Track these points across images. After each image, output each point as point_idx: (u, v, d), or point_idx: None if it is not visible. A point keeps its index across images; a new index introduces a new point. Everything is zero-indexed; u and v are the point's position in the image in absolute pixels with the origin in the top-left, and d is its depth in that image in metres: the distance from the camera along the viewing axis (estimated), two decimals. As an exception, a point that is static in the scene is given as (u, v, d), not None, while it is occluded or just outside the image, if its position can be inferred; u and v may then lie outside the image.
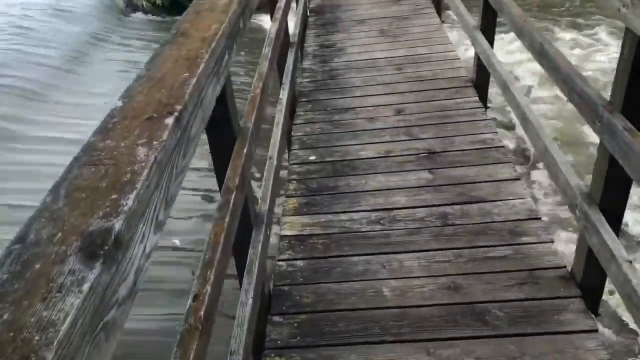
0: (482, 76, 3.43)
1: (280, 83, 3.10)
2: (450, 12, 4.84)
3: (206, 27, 1.50)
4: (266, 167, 2.24)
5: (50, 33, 8.74)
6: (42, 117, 5.89)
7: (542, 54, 2.22)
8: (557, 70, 2.06)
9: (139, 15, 10.44)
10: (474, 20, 3.59)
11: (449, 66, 3.81)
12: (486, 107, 3.41)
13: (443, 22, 5.08)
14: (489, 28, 3.31)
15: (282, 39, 3.21)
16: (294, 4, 4.00)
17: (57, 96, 6.54)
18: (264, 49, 2.52)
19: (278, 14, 3.00)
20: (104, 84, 8.22)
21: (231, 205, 1.47)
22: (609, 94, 1.74)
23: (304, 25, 4.73)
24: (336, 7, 5.28)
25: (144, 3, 10.09)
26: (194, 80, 1.19)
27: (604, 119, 1.67)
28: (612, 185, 1.76)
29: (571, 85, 1.92)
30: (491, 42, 3.30)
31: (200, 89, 1.23)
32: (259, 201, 2.03)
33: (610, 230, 1.72)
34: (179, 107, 1.07)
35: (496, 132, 2.99)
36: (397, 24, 4.67)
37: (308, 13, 5.17)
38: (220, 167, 1.70)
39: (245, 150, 1.69)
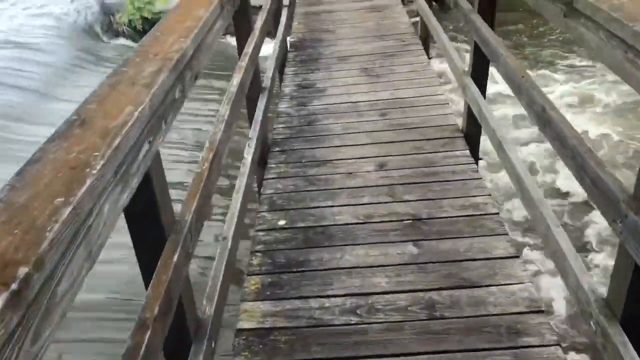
0: (473, 126, 3.11)
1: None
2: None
3: (117, 111, 1.15)
4: (217, 252, 1.87)
5: (18, 64, 8.36)
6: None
7: (544, 120, 1.89)
8: (562, 144, 1.73)
9: (120, 41, 10.11)
10: (463, 64, 3.28)
11: (437, 112, 3.49)
12: (477, 161, 3.08)
13: (430, 58, 4.80)
14: (480, 75, 3.00)
15: (249, 88, 2.87)
16: (267, 42, 3.68)
17: (20, 130, 6.18)
18: (221, 106, 2.17)
19: (244, 61, 2.66)
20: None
21: (143, 347, 1.10)
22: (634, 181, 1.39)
23: (281, 64, 4.41)
24: (318, 41, 4.97)
25: (125, 28, 9.76)
26: (68, 210, 0.83)
27: (628, 219, 1.33)
28: (637, 297, 1.42)
29: (581, 165, 1.58)
30: (483, 90, 2.99)
31: (82, 220, 0.87)
32: (203, 302, 1.66)
33: (637, 357, 1.37)
34: (24, 272, 0.71)
35: (489, 195, 2.65)
36: (381, 62, 4.36)
37: (288, 48, 4.87)
38: (146, 274, 1.34)
39: (175, 259, 1.32)
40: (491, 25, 2.78)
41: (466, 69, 3.14)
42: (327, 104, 3.76)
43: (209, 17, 1.92)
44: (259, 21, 3.17)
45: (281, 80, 4.34)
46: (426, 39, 4.71)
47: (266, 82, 3.28)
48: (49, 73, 9.00)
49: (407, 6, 6.17)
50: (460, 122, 3.31)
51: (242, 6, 2.80)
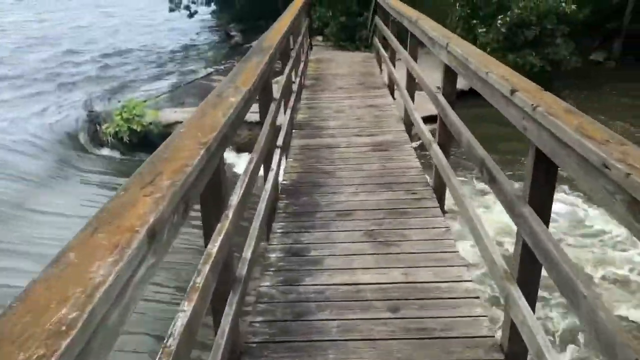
0: (518, 343, 2.27)
1: None
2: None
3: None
4: None
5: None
6: None
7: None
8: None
9: (104, 151, 9.55)
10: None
11: (464, 312, 2.66)
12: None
13: (445, 213, 4.07)
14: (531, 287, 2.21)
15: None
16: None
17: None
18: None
19: (214, 247, 1.88)
20: (43, 232, 7.09)
21: None
22: None
23: (269, 213, 3.66)
24: (315, 187, 4.27)
25: (110, 139, 9.22)
26: None
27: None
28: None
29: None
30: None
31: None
32: None
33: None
34: None
35: None
36: (390, 222, 3.62)
37: (279, 193, 4.15)
38: None
39: None
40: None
41: (506, 268, 2.36)
42: (323, 286, 2.94)
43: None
44: (233, 200, 2.42)
45: (268, 237, 3.56)
46: (441, 192, 4.01)
47: (241, 268, 2.47)
48: (23, 185, 8.34)
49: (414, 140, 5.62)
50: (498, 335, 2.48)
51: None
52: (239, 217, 2.34)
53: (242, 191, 2.41)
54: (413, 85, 5.60)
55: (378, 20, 8.68)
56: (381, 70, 8.59)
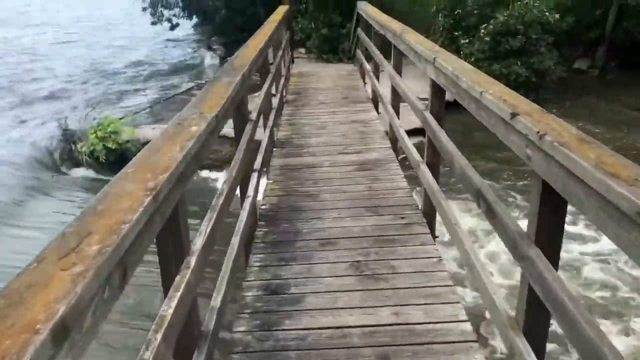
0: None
1: None
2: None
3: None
4: None
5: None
6: None
7: None
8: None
9: (80, 171, 9.16)
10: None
11: (462, 359, 2.38)
12: None
13: (437, 237, 3.80)
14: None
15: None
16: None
17: None
18: None
19: (169, 309, 1.57)
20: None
21: None
22: None
23: (246, 242, 3.37)
24: (296, 212, 3.98)
25: (86, 158, 8.84)
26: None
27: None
28: None
29: None
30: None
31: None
32: None
33: None
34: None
35: None
36: (376, 251, 3.34)
37: (258, 218, 3.85)
38: None
39: None
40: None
41: (510, 314, 2.08)
42: (305, 330, 2.63)
43: None
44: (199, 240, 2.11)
45: (246, 264, 3.26)
46: (431, 216, 3.74)
47: (207, 324, 2.15)
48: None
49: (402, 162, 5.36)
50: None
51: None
52: (204, 262, 2.04)
53: (208, 230, 2.11)
54: (398, 99, 5.36)
55: (360, 32, 8.46)
56: (365, 83, 8.36)
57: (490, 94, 2.26)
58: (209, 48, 19.22)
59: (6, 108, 13.06)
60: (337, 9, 15.59)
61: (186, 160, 1.76)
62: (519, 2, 11.14)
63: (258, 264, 3.30)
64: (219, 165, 8.33)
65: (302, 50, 16.64)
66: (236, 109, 3.27)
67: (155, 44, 23.79)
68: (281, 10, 8.54)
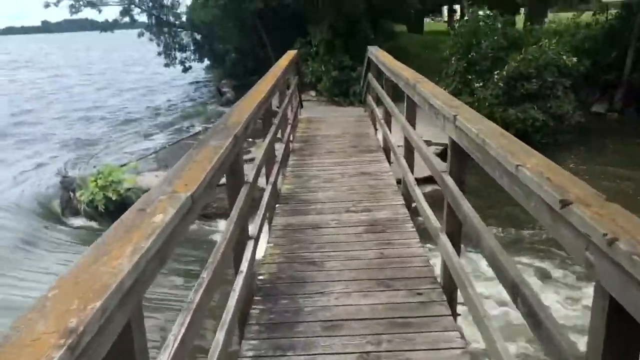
0: None
1: None
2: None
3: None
4: None
5: None
6: None
7: None
8: None
9: (79, 220, 8.81)
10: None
11: None
12: None
13: (458, 315, 3.30)
14: None
15: None
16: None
17: None
18: None
19: None
20: None
21: None
22: None
23: (242, 322, 2.90)
24: (299, 285, 3.51)
25: (84, 207, 8.50)
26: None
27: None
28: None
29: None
30: None
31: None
32: None
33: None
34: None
35: None
36: (389, 339, 2.84)
37: (254, 292, 3.40)
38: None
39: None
40: None
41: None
42: None
43: None
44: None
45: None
46: (452, 291, 3.25)
47: None
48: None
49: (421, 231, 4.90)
50: None
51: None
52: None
53: (174, 346, 1.67)
54: (411, 153, 4.95)
55: (371, 77, 8.16)
56: (376, 130, 8.00)
57: (529, 169, 1.83)
58: (219, 91, 19.19)
59: (9, 149, 12.90)
60: (347, 52, 15.45)
61: (137, 270, 1.34)
62: (533, 46, 10.85)
63: (251, 353, 2.83)
64: (222, 213, 7.92)
65: (313, 92, 16.50)
66: (229, 170, 2.88)
67: (168, 86, 23.90)
68: (289, 55, 8.30)
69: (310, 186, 5.58)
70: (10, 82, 26.23)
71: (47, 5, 18.49)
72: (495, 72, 10.63)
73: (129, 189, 8.60)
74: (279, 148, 5.67)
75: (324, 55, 15.79)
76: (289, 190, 5.50)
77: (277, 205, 5.01)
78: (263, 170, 4.38)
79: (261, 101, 3.88)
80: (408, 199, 4.91)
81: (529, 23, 15.57)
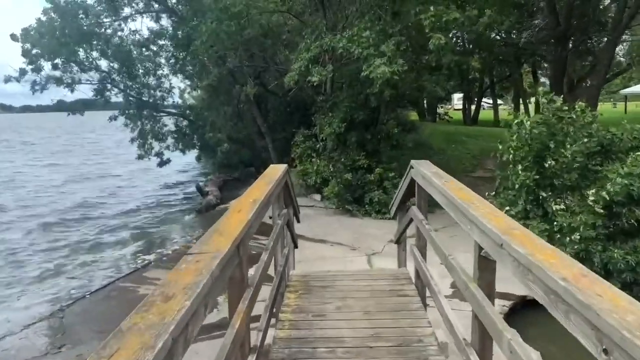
0: None
1: None
2: None
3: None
4: None
5: None
6: None
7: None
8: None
9: None
10: None
11: None
12: None
13: None
14: None
15: None
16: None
17: None
18: None
19: None
20: None
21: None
22: None
23: None
24: None
25: None
26: None
27: None
28: None
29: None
30: None
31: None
32: None
33: None
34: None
35: None
36: None
37: None
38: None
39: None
40: None
41: None
42: None
43: None
44: None
45: None
46: None
47: None
48: None
49: None
50: None
51: None
52: None
53: None
54: None
55: (416, 211, 4.64)
56: (425, 307, 4.38)
57: None
58: (199, 191, 15.44)
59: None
60: (363, 149, 12.14)
61: None
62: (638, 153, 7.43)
63: None
64: None
65: (317, 196, 13.07)
66: None
67: (144, 178, 20.62)
68: (271, 177, 4.53)
69: None
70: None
71: (7, 81, 15.70)
72: (590, 191, 7.15)
73: None
74: None
75: (332, 152, 12.49)
76: None
77: None
78: None
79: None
80: None
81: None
